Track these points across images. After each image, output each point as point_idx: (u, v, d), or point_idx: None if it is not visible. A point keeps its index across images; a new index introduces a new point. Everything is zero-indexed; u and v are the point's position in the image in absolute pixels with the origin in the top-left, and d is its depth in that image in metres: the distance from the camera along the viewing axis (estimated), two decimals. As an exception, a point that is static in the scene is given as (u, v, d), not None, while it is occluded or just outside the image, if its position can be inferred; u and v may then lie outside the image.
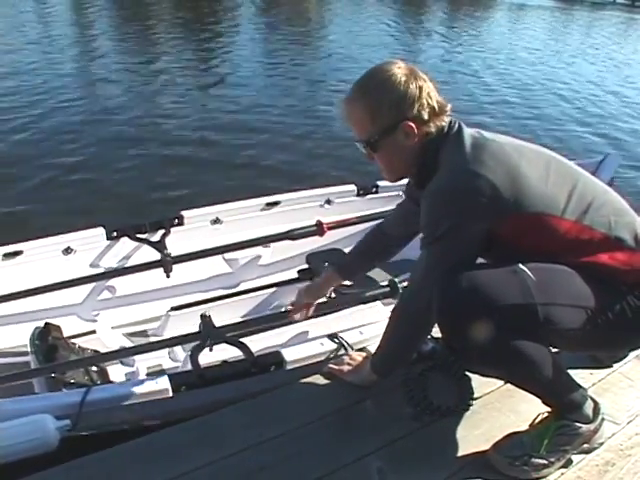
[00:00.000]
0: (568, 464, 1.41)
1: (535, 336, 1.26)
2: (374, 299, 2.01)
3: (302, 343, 1.84)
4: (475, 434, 1.49)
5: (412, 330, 1.45)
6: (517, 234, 1.28)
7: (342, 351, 1.76)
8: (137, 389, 1.58)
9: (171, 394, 1.59)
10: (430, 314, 1.30)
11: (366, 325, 1.88)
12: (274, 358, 1.72)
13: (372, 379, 1.57)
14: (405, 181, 1.58)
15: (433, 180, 1.30)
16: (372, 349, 1.61)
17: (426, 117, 1.32)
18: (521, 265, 1.25)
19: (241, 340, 1.78)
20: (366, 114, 1.33)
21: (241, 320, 2.17)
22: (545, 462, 1.37)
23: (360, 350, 1.75)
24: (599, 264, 1.28)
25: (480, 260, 1.35)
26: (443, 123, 1.34)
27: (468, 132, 1.34)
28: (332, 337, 1.80)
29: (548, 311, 1.23)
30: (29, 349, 1.97)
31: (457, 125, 1.35)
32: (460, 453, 1.44)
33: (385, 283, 2.02)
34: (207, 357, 1.75)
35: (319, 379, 1.66)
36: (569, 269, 1.28)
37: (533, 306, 1.22)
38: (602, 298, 1.27)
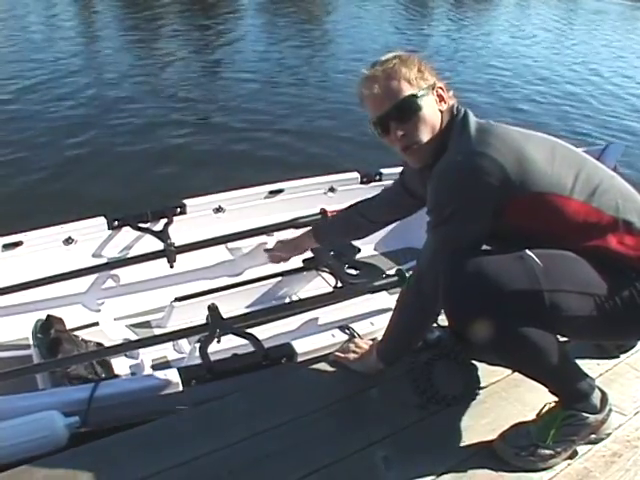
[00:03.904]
0: (575, 455, 1.40)
1: (542, 323, 1.24)
2: (382, 289, 1.98)
3: (312, 333, 1.82)
4: (481, 424, 1.48)
5: (419, 316, 1.44)
6: (525, 216, 1.26)
7: None
8: (146, 383, 1.57)
9: (181, 388, 1.56)
10: (437, 299, 1.29)
11: (377, 315, 1.87)
12: (285, 350, 1.69)
13: (378, 367, 1.56)
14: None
15: (439, 162, 1.30)
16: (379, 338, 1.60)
17: (446, 91, 1.39)
18: (528, 251, 1.24)
19: (249, 331, 1.76)
20: (403, 78, 1.33)
21: (248, 311, 2.15)
22: (552, 452, 1.36)
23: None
24: (608, 249, 1.26)
25: (486, 247, 1.33)
26: (453, 102, 1.38)
27: (473, 118, 1.35)
28: (343, 328, 1.78)
29: (555, 298, 1.21)
30: (31, 342, 1.95)
31: (463, 111, 1.37)
32: (466, 443, 1.42)
33: (392, 272, 2.01)
34: (213, 348, 1.72)
35: (325, 367, 1.65)
36: (577, 256, 1.26)
37: (540, 292, 1.20)
38: (610, 285, 1.25)
